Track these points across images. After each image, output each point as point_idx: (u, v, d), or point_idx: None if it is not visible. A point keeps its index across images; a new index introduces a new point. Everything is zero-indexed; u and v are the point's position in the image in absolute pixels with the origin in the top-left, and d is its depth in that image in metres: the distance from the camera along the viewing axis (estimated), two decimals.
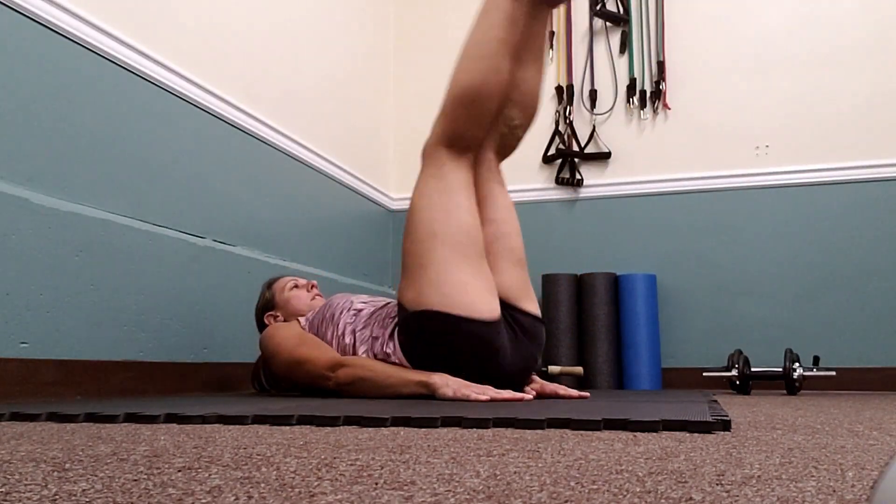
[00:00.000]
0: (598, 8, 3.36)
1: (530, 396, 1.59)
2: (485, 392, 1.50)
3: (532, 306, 1.75)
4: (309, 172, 2.76)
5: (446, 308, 1.58)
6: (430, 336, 1.61)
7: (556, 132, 3.36)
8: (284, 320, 1.97)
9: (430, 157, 1.72)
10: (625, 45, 3.35)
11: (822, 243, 3.00)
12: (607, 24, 3.39)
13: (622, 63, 3.36)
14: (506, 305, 1.69)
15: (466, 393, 1.49)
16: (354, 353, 1.75)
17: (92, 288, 1.71)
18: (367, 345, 1.74)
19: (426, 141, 1.75)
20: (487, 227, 1.73)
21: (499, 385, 1.62)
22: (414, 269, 1.65)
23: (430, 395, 1.56)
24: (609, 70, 3.37)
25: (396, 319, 1.72)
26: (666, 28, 3.31)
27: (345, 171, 3.03)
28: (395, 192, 3.51)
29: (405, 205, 3.50)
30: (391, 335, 1.71)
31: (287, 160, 2.62)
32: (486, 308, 1.61)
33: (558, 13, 3.45)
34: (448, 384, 1.53)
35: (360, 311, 1.83)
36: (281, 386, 1.93)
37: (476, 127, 1.70)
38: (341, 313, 1.83)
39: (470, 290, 1.61)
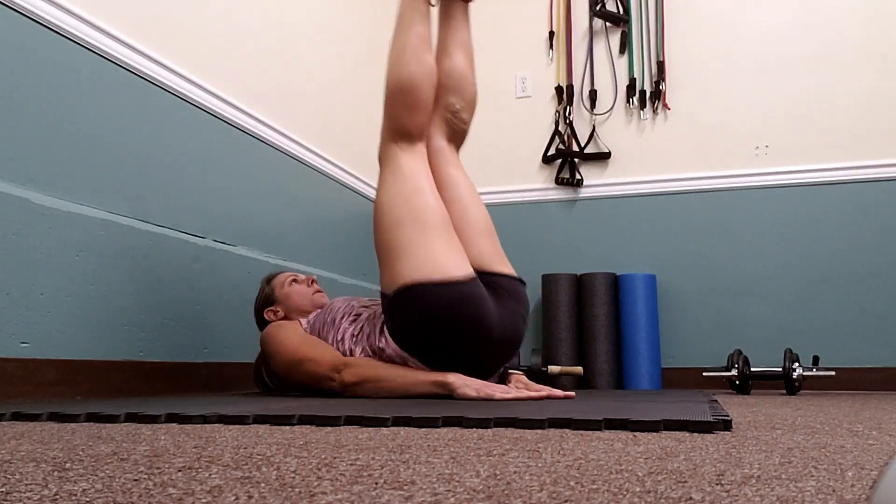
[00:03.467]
0: (597, 8, 3.36)
1: (545, 394, 1.62)
2: (508, 392, 1.51)
3: (506, 268, 1.80)
4: (309, 172, 2.76)
5: (421, 277, 1.62)
6: (415, 311, 1.63)
7: (556, 132, 3.36)
8: (285, 315, 1.97)
9: (384, 157, 1.81)
10: (625, 45, 3.35)
11: (822, 243, 3.00)
12: (607, 24, 3.39)
13: (622, 63, 3.36)
14: (480, 273, 1.73)
15: (490, 392, 1.50)
16: (353, 356, 1.75)
17: (92, 288, 1.71)
18: (361, 344, 1.75)
19: (378, 146, 1.84)
20: (451, 207, 1.79)
21: (493, 350, 1.66)
22: (385, 257, 1.71)
23: (446, 395, 1.56)
24: (609, 70, 3.37)
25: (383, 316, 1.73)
26: (666, 28, 3.31)
27: (345, 170, 3.03)
28: None
29: None
30: (381, 329, 1.72)
31: (287, 160, 2.62)
32: (460, 269, 1.65)
33: (559, 13, 3.45)
34: (468, 384, 1.54)
35: (360, 315, 1.83)
36: (283, 385, 1.93)
37: (415, 116, 1.80)
38: (342, 318, 1.83)
39: (440, 257, 1.65)
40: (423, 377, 1.61)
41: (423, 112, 1.82)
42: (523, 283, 1.83)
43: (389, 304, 1.68)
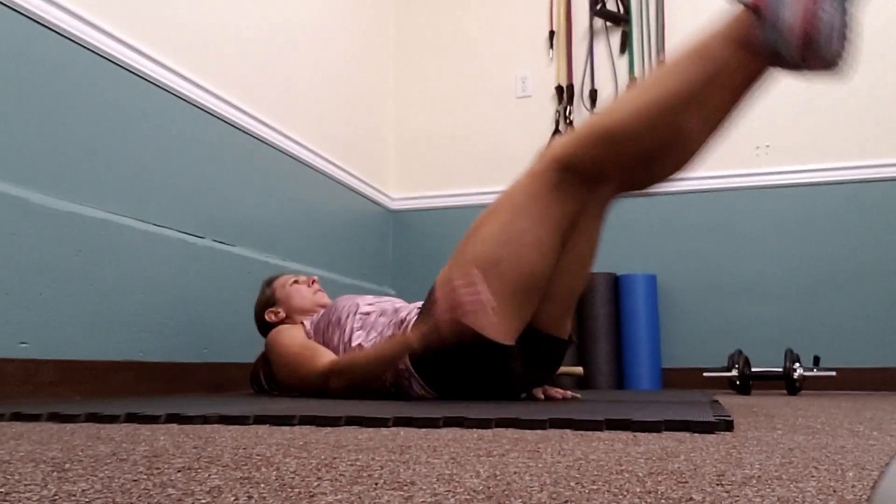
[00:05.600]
0: (598, 8, 3.36)
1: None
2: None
3: (563, 331, 1.62)
4: (309, 172, 2.76)
5: (470, 322, 1.45)
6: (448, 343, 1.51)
7: (557, 132, 3.35)
8: (287, 316, 1.96)
9: (542, 174, 1.49)
10: (625, 44, 3.35)
11: (822, 243, 3.00)
12: (607, 23, 3.39)
13: (622, 63, 3.36)
14: (534, 331, 1.58)
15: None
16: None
17: (92, 288, 1.71)
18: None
19: (548, 150, 1.52)
20: (562, 259, 1.55)
21: (505, 394, 1.61)
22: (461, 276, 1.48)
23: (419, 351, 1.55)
24: (609, 70, 3.37)
25: (404, 328, 1.71)
26: (666, 28, 3.31)
27: (345, 171, 3.03)
28: (395, 191, 3.51)
29: (405, 204, 3.51)
30: (396, 331, 1.71)
31: (287, 160, 2.62)
32: (505, 332, 1.50)
33: (559, 13, 3.45)
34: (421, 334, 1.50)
35: (368, 314, 1.82)
36: (280, 388, 1.93)
37: (605, 167, 1.48)
38: (348, 317, 1.82)
39: (503, 317, 1.49)
40: (392, 348, 1.59)
41: (618, 170, 1.49)
42: (573, 342, 1.67)
43: (422, 314, 1.61)
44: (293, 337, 1.84)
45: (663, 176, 1.53)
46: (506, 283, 1.46)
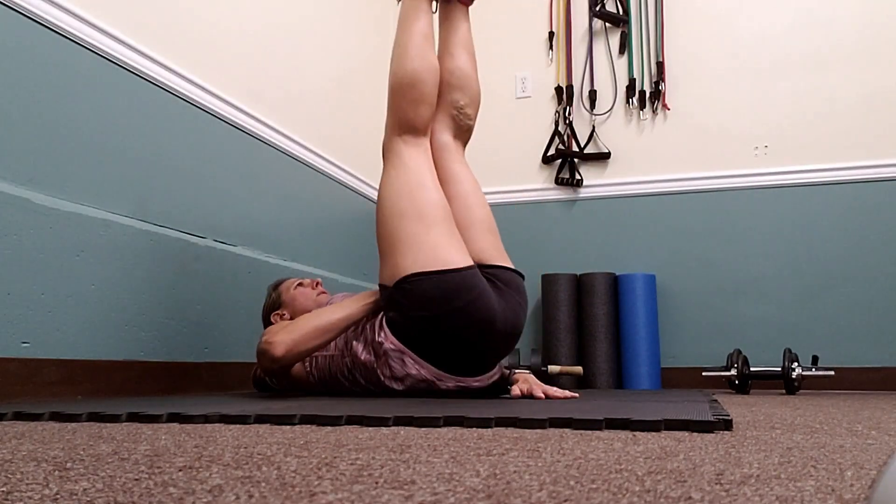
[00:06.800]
0: (597, 9, 3.36)
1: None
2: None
3: (506, 262, 1.84)
4: (309, 172, 2.76)
5: (422, 268, 1.67)
6: (415, 301, 1.66)
7: (556, 132, 3.36)
8: (291, 318, 1.97)
9: (388, 151, 1.86)
10: (624, 45, 3.35)
11: (820, 243, 3.00)
12: (607, 24, 3.39)
13: (621, 64, 3.36)
14: (480, 266, 1.77)
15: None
16: (351, 350, 1.76)
17: (93, 288, 1.71)
18: (362, 340, 1.75)
19: (382, 140, 1.88)
20: (454, 203, 1.82)
21: (494, 341, 1.69)
22: (386, 249, 1.75)
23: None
24: (608, 70, 3.37)
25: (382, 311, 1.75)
26: (665, 29, 3.31)
27: (345, 171, 3.03)
28: None
29: None
30: (380, 322, 1.73)
31: (287, 160, 2.62)
32: (460, 259, 1.70)
33: (558, 14, 3.45)
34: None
35: None
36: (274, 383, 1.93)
37: (419, 109, 1.83)
38: None
39: (441, 249, 1.70)
40: (351, 302, 1.75)
41: (428, 106, 1.85)
42: (522, 276, 1.86)
43: (390, 295, 1.71)
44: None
45: (465, 104, 1.93)
46: (422, 221, 1.72)
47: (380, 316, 1.75)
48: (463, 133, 1.97)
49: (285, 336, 1.69)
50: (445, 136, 1.93)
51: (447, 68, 1.93)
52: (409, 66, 1.84)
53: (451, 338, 1.65)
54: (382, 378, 1.73)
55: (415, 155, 1.82)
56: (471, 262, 1.72)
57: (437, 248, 1.70)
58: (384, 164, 1.86)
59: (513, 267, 1.84)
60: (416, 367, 1.69)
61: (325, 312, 1.76)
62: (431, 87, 1.86)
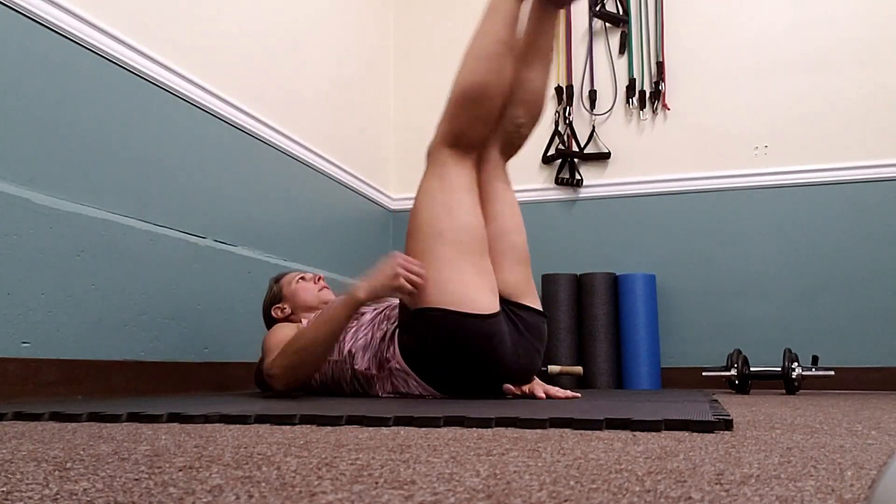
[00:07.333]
0: (597, 8, 3.36)
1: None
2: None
3: (533, 302, 1.76)
4: (309, 172, 2.76)
5: (446, 305, 1.60)
6: (432, 334, 1.62)
7: (556, 132, 3.36)
8: (292, 312, 1.97)
9: (434, 158, 1.75)
10: (624, 45, 3.35)
11: (820, 243, 3.00)
12: (607, 24, 3.39)
13: (621, 64, 3.36)
14: (507, 302, 1.70)
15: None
16: (353, 361, 1.75)
17: (93, 288, 1.71)
18: (369, 352, 1.74)
19: (430, 142, 1.77)
20: (490, 225, 1.75)
21: (503, 381, 1.65)
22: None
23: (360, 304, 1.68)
24: (608, 70, 3.37)
25: (396, 322, 1.72)
26: (665, 29, 3.31)
27: (345, 171, 3.03)
28: (395, 192, 3.51)
29: (405, 205, 3.50)
30: (391, 338, 1.71)
31: (287, 160, 2.62)
32: (486, 303, 1.63)
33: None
34: (367, 285, 1.64)
35: (363, 314, 1.83)
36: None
37: (478, 126, 1.73)
38: None
39: (470, 288, 1.62)
40: (334, 307, 1.67)
41: (489, 124, 1.75)
42: (546, 318, 1.81)
43: (410, 318, 1.66)
44: (280, 335, 1.83)
45: (524, 123, 1.82)
46: (458, 247, 1.65)
47: (393, 331, 1.72)
48: (512, 150, 1.87)
49: (283, 372, 1.67)
50: (493, 151, 1.82)
51: (517, 77, 1.78)
52: (481, 80, 1.70)
53: (460, 373, 1.63)
54: (381, 393, 1.73)
55: (461, 173, 1.72)
56: (496, 308, 1.64)
57: (467, 285, 1.62)
58: (427, 169, 1.76)
59: (539, 308, 1.77)
60: (419, 389, 1.68)
61: (309, 330, 1.69)
62: (497, 106, 1.74)
